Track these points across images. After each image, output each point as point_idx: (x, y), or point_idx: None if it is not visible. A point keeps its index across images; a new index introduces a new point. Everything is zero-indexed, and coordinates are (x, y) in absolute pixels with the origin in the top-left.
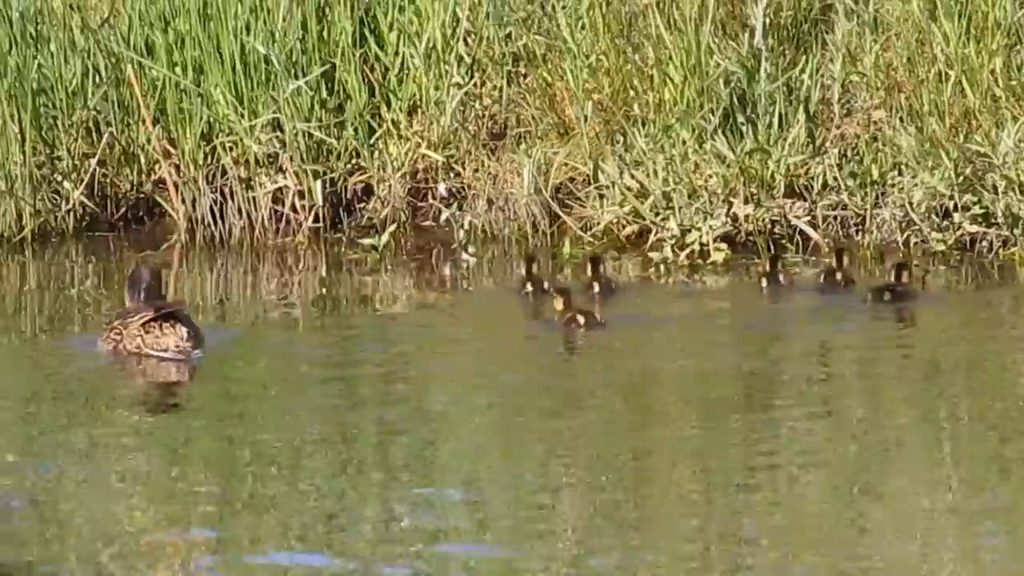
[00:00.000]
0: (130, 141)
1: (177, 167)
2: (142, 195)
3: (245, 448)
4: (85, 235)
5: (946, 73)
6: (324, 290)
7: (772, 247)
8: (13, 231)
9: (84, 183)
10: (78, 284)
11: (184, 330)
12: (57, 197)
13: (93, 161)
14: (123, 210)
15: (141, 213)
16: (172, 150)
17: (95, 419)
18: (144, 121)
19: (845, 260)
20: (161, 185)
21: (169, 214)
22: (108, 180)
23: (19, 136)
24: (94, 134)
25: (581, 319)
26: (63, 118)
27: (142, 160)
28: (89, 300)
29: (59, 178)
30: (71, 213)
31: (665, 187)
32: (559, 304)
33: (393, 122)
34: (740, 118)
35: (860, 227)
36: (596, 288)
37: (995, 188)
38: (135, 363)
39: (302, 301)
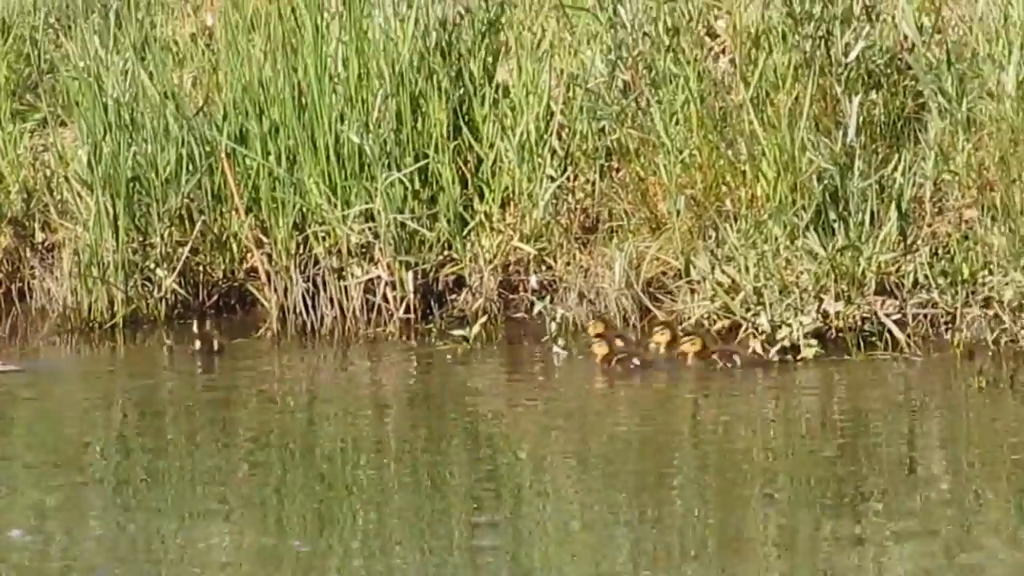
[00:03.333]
0: (223, 229)
1: (269, 256)
2: (234, 283)
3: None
4: (177, 323)
5: None
6: (413, 382)
7: (862, 344)
8: (105, 318)
9: (176, 270)
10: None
11: None
12: (149, 284)
13: (186, 249)
14: (215, 298)
15: (233, 301)
16: (264, 239)
17: None
18: (237, 209)
19: None
20: (253, 274)
21: (261, 303)
22: (200, 268)
23: (112, 223)
24: (187, 222)
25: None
26: (156, 206)
27: (234, 248)
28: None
29: (151, 265)
30: (163, 300)
31: (756, 283)
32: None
33: (486, 214)
34: (832, 215)
35: (950, 325)
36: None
37: None
38: None
39: (393, 393)
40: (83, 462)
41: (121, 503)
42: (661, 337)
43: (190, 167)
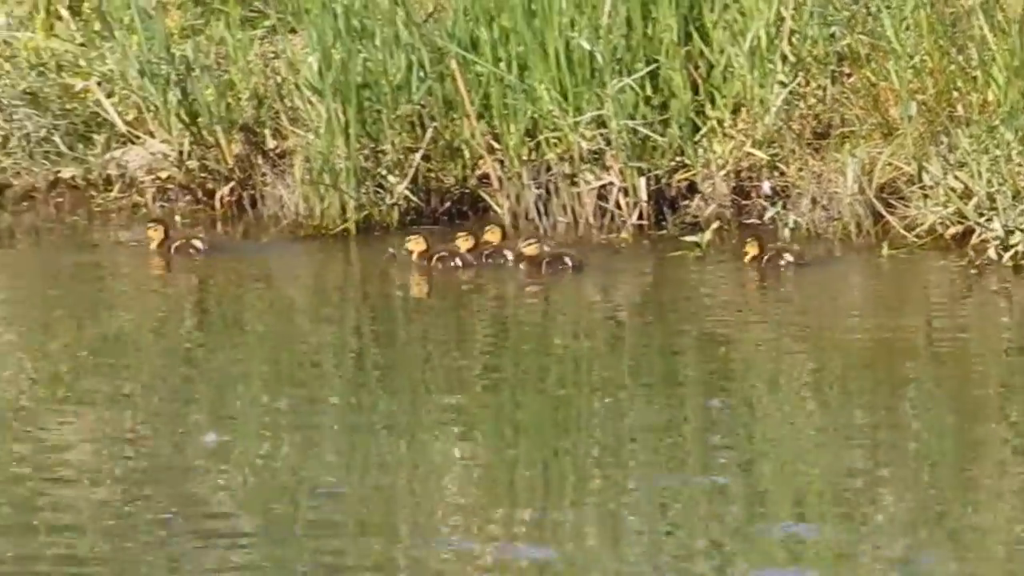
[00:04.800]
0: (454, 136)
1: (501, 163)
2: (466, 190)
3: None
4: (409, 229)
5: None
6: (647, 289)
7: None
8: (336, 224)
9: (408, 177)
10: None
11: None
12: (381, 191)
13: (417, 156)
14: (447, 205)
15: (465, 208)
16: (496, 145)
17: None
18: (468, 116)
19: None
20: (485, 180)
21: (493, 209)
22: (432, 175)
23: (344, 130)
24: (418, 128)
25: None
26: (387, 112)
27: (466, 155)
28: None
29: (383, 172)
30: (395, 207)
31: (989, 188)
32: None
33: (718, 120)
34: None
35: None
36: None
37: None
38: None
39: (627, 299)
40: (316, 370)
41: (353, 409)
42: None
43: (420, 74)
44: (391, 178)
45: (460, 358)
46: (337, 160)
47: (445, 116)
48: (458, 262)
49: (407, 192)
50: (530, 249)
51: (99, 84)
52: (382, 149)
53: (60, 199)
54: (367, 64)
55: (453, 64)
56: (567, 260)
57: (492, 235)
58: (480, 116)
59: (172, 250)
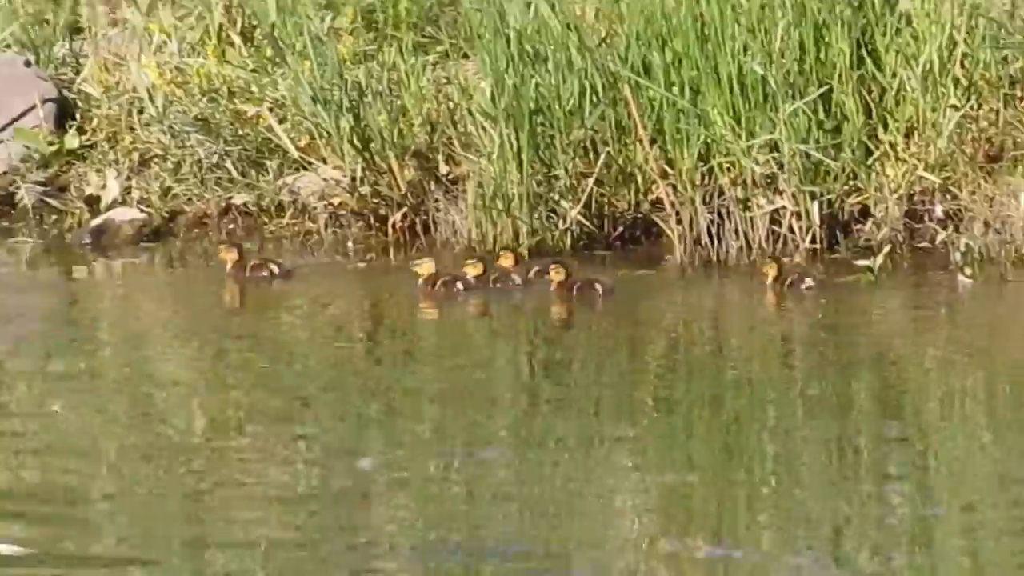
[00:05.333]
0: (627, 161)
1: (674, 187)
2: (639, 215)
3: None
4: (582, 253)
5: None
6: (820, 312)
7: None
8: (510, 248)
9: (581, 202)
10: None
11: None
12: (554, 216)
13: (590, 180)
14: (619, 229)
15: (638, 232)
16: (669, 170)
17: None
18: (641, 141)
19: None
20: (658, 205)
21: (665, 234)
22: (605, 200)
23: (516, 155)
24: (591, 153)
25: None
26: (560, 137)
27: (639, 180)
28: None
29: (556, 197)
30: (568, 232)
31: None
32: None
33: (890, 144)
34: None
35: None
36: None
37: None
38: None
39: (800, 323)
40: (486, 390)
41: (524, 431)
42: None
43: (593, 99)
44: (564, 203)
45: (645, 384)
46: (510, 185)
47: (618, 141)
48: (460, 287)
49: (580, 217)
50: (557, 274)
51: (271, 110)
52: (555, 174)
53: (232, 225)
54: (540, 89)
55: (626, 89)
56: (597, 286)
57: (506, 260)
58: (653, 141)
59: (247, 272)
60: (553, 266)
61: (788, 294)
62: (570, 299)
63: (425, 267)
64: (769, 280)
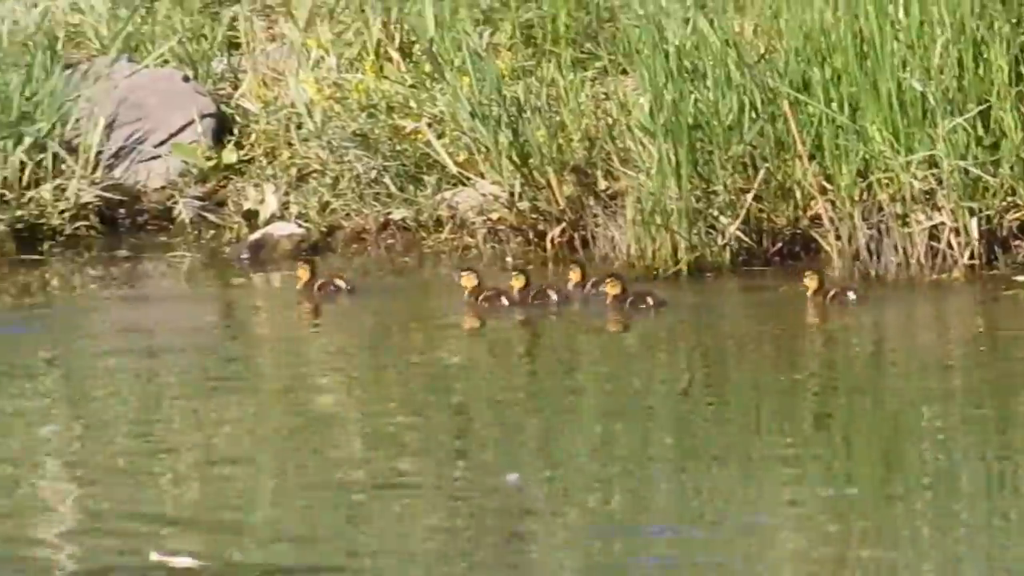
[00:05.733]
0: (786, 176)
1: (833, 203)
2: (798, 231)
3: None
4: (741, 269)
5: None
6: (980, 330)
7: None
8: (668, 265)
9: (740, 218)
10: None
11: None
12: (712, 232)
13: (749, 196)
14: (778, 245)
15: (796, 248)
16: (828, 186)
17: None
18: (800, 157)
19: None
20: (816, 221)
21: (824, 249)
22: (764, 215)
23: (675, 170)
24: (750, 169)
25: None
26: (719, 153)
27: (798, 195)
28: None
29: (715, 213)
30: (727, 248)
31: None
32: None
33: None
34: None
35: None
36: None
37: None
38: None
39: (960, 340)
40: (648, 403)
41: (684, 447)
42: None
43: (752, 114)
44: (723, 219)
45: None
46: (669, 201)
47: (777, 157)
48: (504, 301)
49: (739, 233)
50: (612, 287)
51: (430, 125)
52: (714, 190)
53: (391, 240)
54: (698, 105)
55: (785, 105)
56: (649, 299)
57: (575, 275)
58: (812, 157)
59: (317, 289)
60: (609, 279)
61: (951, 310)
62: (624, 311)
63: (468, 279)
64: (810, 292)
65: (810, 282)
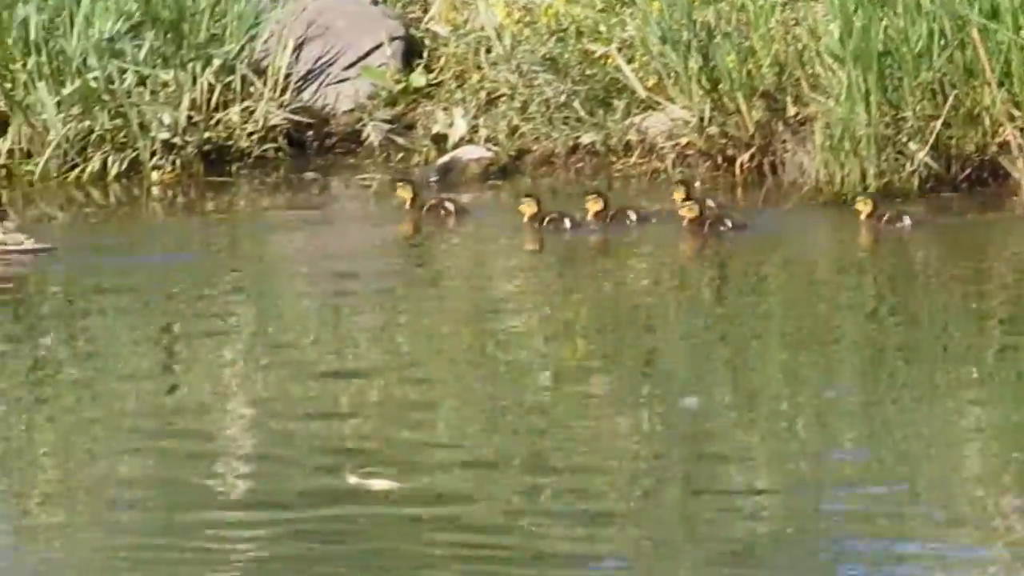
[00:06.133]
0: (974, 103)
1: (1021, 130)
2: (985, 157)
3: None
4: (928, 197)
5: None
6: None
7: None
8: (857, 191)
9: (928, 144)
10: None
11: None
12: (901, 158)
13: (937, 123)
14: (967, 172)
15: (985, 175)
16: (1016, 113)
17: None
18: (989, 84)
19: None
20: (1005, 147)
21: (1012, 177)
22: (952, 142)
23: (864, 97)
24: (938, 96)
25: None
26: (908, 80)
27: (986, 122)
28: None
29: (903, 139)
30: (915, 174)
31: None
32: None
33: None
34: None
35: None
36: None
37: None
38: None
39: None
40: (830, 331)
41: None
42: None
43: (941, 41)
44: (911, 145)
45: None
46: (858, 127)
47: (965, 84)
48: (567, 224)
49: (927, 160)
50: (689, 211)
51: (619, 50)
52: (903, 116)
53: (580, 164)
54: (888, 31)
55: (974, 32)
56: (728, 222)
57: (594, 204)
58: (1000, 83)
59: (424, 210)
60: (687, 203)
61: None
62: (702, 235)
63: (527, 206)
64: (863, 216)
65: (863, 206)
